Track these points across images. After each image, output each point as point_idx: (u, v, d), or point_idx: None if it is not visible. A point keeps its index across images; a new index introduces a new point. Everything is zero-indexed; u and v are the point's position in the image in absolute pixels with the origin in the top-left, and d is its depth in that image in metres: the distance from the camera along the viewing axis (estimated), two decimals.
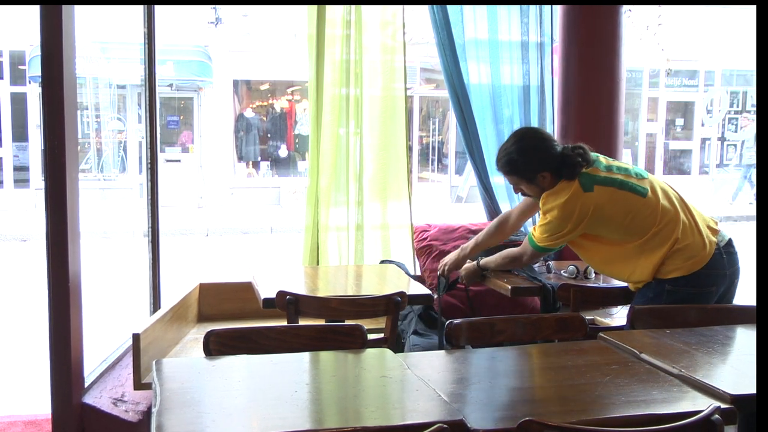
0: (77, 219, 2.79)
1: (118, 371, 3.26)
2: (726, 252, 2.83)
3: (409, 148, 7.11)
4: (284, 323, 2.75)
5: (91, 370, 3.09)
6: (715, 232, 2.87)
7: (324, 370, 2.11)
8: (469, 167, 10.94)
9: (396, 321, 2.88)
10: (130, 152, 13.61)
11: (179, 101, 14.39)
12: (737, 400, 1.75)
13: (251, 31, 13.37)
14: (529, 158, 2.90)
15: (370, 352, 2.17)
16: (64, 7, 2.65)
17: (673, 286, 2.78)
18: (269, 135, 14.67)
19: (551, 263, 3.54)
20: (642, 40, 9.72)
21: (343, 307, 2.80)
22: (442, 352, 2.29)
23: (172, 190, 12.57)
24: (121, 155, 13.62)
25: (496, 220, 3.38)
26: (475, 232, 3.97)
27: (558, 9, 4.25)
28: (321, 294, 3.04)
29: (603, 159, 2.92)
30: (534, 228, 2.95)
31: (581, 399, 1.81)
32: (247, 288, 3.36)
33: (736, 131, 15.96)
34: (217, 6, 13.18)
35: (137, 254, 5.54)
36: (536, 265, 3.37)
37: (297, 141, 14.78)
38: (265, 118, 14.70)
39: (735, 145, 15.94)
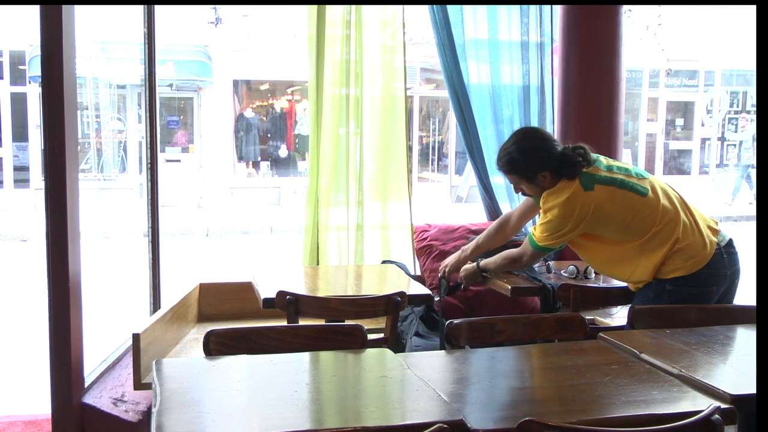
0: (77, 219, 2.79)
1: (118, 371, 3.26)
2: (726, 252, 2.83)
3: (409, 148, 7.11)
4: (284, 323, 2.75)
5: (91, 370, 3.09)
6: (715, 232, 2.87)
7: (324, 370, 2.11)
8: (469, 167, 10.94)
9: (396, 321, 2.88)
10: (130, 152, 13.61)
11: (179, 101, 14.39)
12: (737, 400, 1.75)
13: (251, 31, 13.37)
14: (529, 158, 2.90)
15: (370, 352, 2.17)
16: (64, 7, 2.65)
17: (674, 285, 2.78)
18: (269, 135, 14.68)
19: (551, 263, 3.54)
20: (642, 40, 9.71)
21: (343, 307, 2.80)
22: (442, 352, 2.29)
23: (172, 190, 12.57)
24: (121, 155, 13.62)
25: (496, 221, 3.38)
26: (475, 232, 3.98)
27: (558, 9, 4.25)
28: (321, 294, 3.04)
29: (603, 159, 2.92)
30: (534, 228, 2.95)
31: (581, 399, 1.81)
32: (247, 288, 3.36)
33: (736, 131, 15.96)
34: (217, 6, 13.18)
35: (137, 254, 5.54)
36: (536, 265, 3.37)
37: (297, 141, 14.78)
38: (265, 118, 14.71)
39: (735, 145, 15.94)
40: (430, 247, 4.07)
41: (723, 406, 1.69)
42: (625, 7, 4.27)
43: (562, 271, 3.46)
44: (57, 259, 2.70)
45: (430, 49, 5.15)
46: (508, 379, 2.04)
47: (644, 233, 2.79)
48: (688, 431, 1.59)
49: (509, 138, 3.07)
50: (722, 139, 16.30)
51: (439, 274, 3.43)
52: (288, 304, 2.76)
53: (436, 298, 3.50)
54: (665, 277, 2.80)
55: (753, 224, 3.26)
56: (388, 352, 2.14)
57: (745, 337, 2.28)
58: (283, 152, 14.73)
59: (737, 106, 16.22)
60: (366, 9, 3.99)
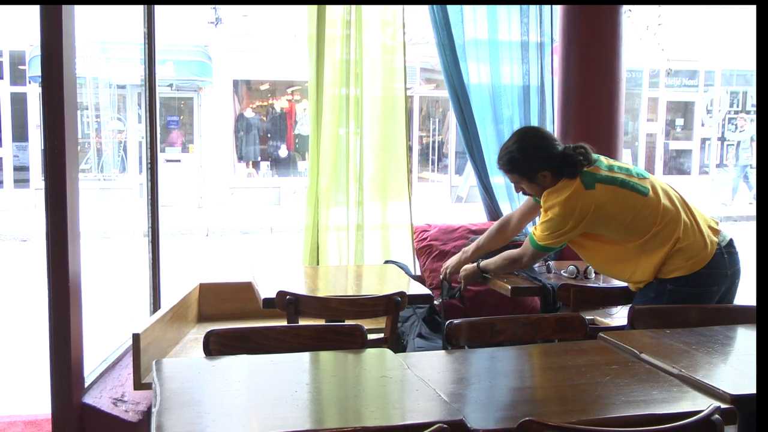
0: (77, 219, 2.79)
1: (118, 371, 3.26)
2: (727, 252, 2.83)
3: (409, 148, 7.11)
4: (284, 323, 2.75)
5: (91, 370, 3.09)
6: (716, 232, 2.87)
7: (324, 370, 2.11)
8: (469, 167, 10.94)
9: (396, 321, 2.88)
10: (130, 152, 13.61)
11: (179, 101, 14.39)
12: (737, 400, 1.75)
13: (251, 31, 13.37)
14: (530, 157, 2.90)
15: (370, 352, 2.17)
16: (64, 7, 2.64)
17: (675, 285, 2.78)
18: (269, 135, 14.68)
19: (551, 263, 3.54)
20: (642, 40, 9.71)
21: (343, 307, 2.80)
22: (442, 352, 2.29)
23: (172, 190, 12.57)
24: (121, 155, 13.62)
25: (497, 223, 3.38)
26: (475, 232, 3.98)
27: (558, 9, 4.25)
28: (321, 294, 3.04)
29: (604, 159, 2.93)
30: (535, 228, 2.95)
31: (581, 399, 1.81)
32: (247, 288, 3.36)
33: (736, 131, 15.97)
34: (217, 6, 13.18)
35: (137, 254, 5.54)
36: (536, 265, 3.37)
37: (297, 141, 14.78)
38: (265, 118, 14.71)
39: (734, 145, 15.95)
40: (430, 247, 4.07)
41: (723, 406, 1.69)
42: (625, 7, 4.27)
43: (562, 271, 3.46)
44: (57, 259, 2.70)
45: (430, 49, 5.15)
46: (508, 379, 2.04)
47: (645, 233, 2.80)
48: (688, 431, 1.59)
49: (510, 137, 3.07)
50: (722, 139, 16.30)
51: (441, 276, 3.43)
52: (288, 304, 2.76)
53: (436, 301, 3.50)
54: (666, 277, 2.80)
55: (753, 224, 3.26)
56: (388, 352, 2.14)
57: (745, 337, 2.28)
58: (283, 152, 14.73)
59: (737, 106, 16.22)
60: (366, 9, 3.99)
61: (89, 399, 2.93)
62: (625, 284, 2.98)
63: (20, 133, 13.21)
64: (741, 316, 2.53)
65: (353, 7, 3.96)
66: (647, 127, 15.93)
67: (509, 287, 3.10)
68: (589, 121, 4.13)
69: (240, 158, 14.45)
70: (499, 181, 4.29)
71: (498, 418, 1.74)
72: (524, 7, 4.26)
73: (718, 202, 14.40)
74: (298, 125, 14.66)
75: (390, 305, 2.81)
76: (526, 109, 4.32)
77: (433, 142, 15.45)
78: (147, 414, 2.97)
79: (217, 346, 2.16)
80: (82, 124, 12.87)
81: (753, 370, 1.83)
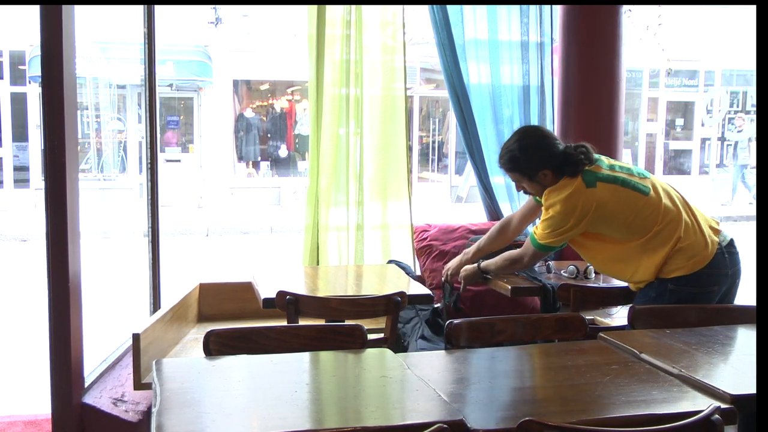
0: (77, 219, 2.79)
1: (118, 371, 3.26)
2: (728, 252, 2.83)
3: (409, 148, 7.11)
4: (284, 323, 2.75)
5: (91, 370, 3.09)
6: (716, 232, 2.87)
7: (324, 370, 2.11)
8: (469, 167, 10.93)
9: (396, 321, 2.88)
10: (130, 152, 13.61)
11: (179, 101, 14.39)
12: (737, 400, 1.75)
13: (251, 31, 13.37)
14: (530, 156, 2.91)
15: (370, 352, 2.17)
16: (64, 7, 2.64)
17: (676, 285, 2.78)
18: (269, 135, 14.68)
19: (551, 263, 3.54)
20: (642, 40, 9.71)
21: (343, 307, 2.80)
22: (442, 352, 2.29)
23: (172, 190, 12.57)
24: (121, 155, 13.62)
25: (497, 224, 3.38)
26: (475, 232, 3.98)
27: (558, 9, 4.25)
28: (321, 294, 3.04)
29: (605, 159, 2.93)
30: (536, 227, 2.95)
31: (581, 399, 1.81)
32: (247, 288, 3.36)
33: (735, 131, 15.98)
34: (217, 6, 13.18)
35: (137, 254, 5.54)
36: (536, 265, 3.37)
37: (297, 141, 14.78)
38: (265, 118, 14.71)
39: (734, 145, 15.95)
40: (430, 247, 4.07)
41: (723, 406, 1.69)
42: (625, 7, 4.27)
43: (562, 271, 3.46)
44: (57, 259, 2.70)
45: (430, 49, 5.15)
46: (508, 379, 2.04)
47: (646, 232, 2.80)
48: (688, 431, 1.59)
49: (511, 136, 3.07)
50: (722, 139, 16.31)
51: (442, 278, 3.43)
52: (288, 304, 2.76)
53: (437, 304, 3.50)
54: (667, 277, 2.80)
55: (753, 224, 3.26)
56: (388, 352, 2.14)
57: (745, 337, 2.28)
58: (283, 152, 14.73)
59: (737, 106, 16.22)
60: (366, 9, 3.99)
61: (89, 399, 2.93)
62: (625, 284, 2.98)
63: (20, 133, 13.21)
64: (741, 316, 2.53)
65: (353, 7, 3.96)
66: (647, 127, 15.93)
67: (509, 287, 3.10)
68: (589, 121, 4.13)
69: (240, 158, 14.45)
70: (499, 181, 4.29)
71: (498, 418, 1.74)
72: (524, 7, 4.26)
73: (717, 202, 14.40)
74: (298, 125, 14.66)
75: (390, 305, 2.81)
76: (526, 109, 4.32)
77: (433, 142, 15.46)
78: (147, 414, 2.97)
79: (217, 346, 2.16)
80: (82, 124, 12.87)
81: (753, 370, 1.83)
